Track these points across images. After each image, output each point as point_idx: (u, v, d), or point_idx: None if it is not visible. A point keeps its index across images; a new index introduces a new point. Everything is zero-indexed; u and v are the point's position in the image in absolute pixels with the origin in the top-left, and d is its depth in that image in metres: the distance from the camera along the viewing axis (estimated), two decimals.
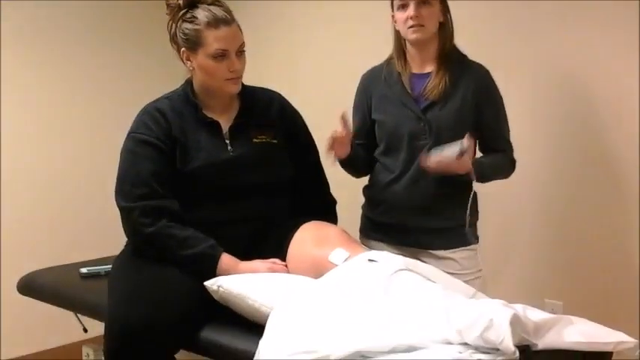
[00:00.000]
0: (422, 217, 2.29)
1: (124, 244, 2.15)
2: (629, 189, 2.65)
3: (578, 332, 1.56)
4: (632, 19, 2.55)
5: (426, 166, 2.15)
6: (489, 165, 2.28)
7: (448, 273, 2.01)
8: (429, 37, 2.26)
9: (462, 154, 2.09)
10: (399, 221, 2.33)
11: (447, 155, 2.11)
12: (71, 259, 2.79)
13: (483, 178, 2.29)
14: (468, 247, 2.31)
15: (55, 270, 2.64)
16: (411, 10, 2.21)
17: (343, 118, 2.18)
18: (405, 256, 1.96)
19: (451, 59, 2.29)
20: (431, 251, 2.31)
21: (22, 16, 3.59)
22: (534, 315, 1.57)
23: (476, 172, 2.20)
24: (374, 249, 2.16)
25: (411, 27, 2.22)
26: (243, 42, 2.06)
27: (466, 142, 2.08)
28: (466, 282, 2.03)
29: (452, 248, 2.29)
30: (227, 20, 2.02)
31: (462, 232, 2.28)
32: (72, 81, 3.81)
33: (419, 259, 2.15)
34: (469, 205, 2.24)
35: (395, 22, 2.30)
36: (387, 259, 1.81)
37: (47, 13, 3.69)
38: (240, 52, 2.06)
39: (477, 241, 2.36)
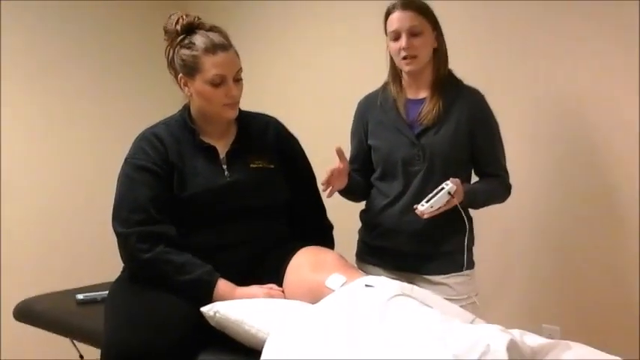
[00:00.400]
0: (417, 242, 2.29)
1: (121, 269, 2.15)
2: (627, 213, 2.66)
3: (576, 357, 1.56)
4: (632, 48, 2.59)
5: (422, 217, 2.15)
6: (483, 192, 2.29)
7: (443, 298, 2.01)
8: (423, 66, 2.28)
9: (451, 196, 2.11)
10: (394, 246, 2.33)
11: (438, 206, 2.11)
12: (68, 285, 2.78)
13: (476, 206, 2.30)
14: (463, 273, 2.30)
15: (51, 296, 2.63)
16: (402, 42, 2.23)
17: (339, 153, 2.19)
18: (400, 280, 1.96)
19: (446, 85, 2.30)
20: (426, 276, 2.31)
21: (23, 41, 3.63)
22: (531, 340, 1.56)
23: (469, 201, 2.21)
24: (370, 273, 2.16)
25: (404, 58, 2.24)
26: (241, 68, 2.07)
27: (451, 184, 2.10)
28: (461, 307, 2.02)
29: (446, 273, 2.29)
30: (224, 46, 2.03)
31: (456, 257, 2.28)
32: (69, 106, 3.83)
33: (414, 284, 2.15)
34: (467, 233, 2.24)
35: (389, 50, 2.32)
36: (384, 285, 1.81)
37: (48, 38, 3.73)
38: (238, 78, 2.07)
39: (473, 267, 2.36)
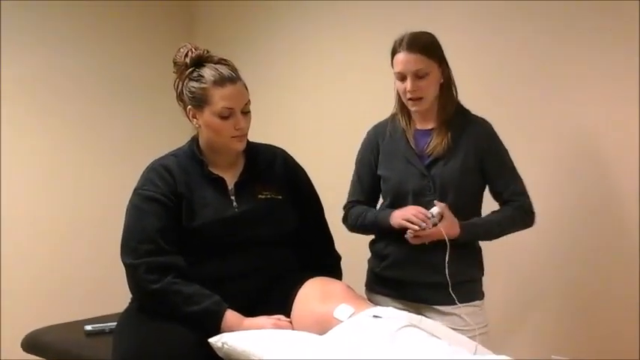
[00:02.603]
0: (426, 273, 2.28)
1: (129, 300, 2.15)
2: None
3: None
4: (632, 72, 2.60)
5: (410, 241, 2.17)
6: (485, 222, 2.28)
7: (453, 329, 2.00)
8: (429, 105, 2.29)
9: (434, 224, 2.12)
10: (403, 276, 2.32)
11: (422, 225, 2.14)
12: (76, 316, 2.78)
13: (484, 238, 2.29)
14: (473, 303, 2.29)
15: (60, 327, 2.63)
16: (408, 85, 2.23)
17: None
18: (409, 311, 1.95)
19: (453, 116, 2.31)
20: (435, 307, 2.30)
21: (30, 68, 3.66)
22: None
23: (469, 234, 2.21)
24: (379, 303, 2.15)
25: (410, 99, 2.25)
26: (249, 100, 2.09)
27: (435, 210, 2.11)
28: (471, 338, 2.01)
29: (456, 304, 2.26)
30: (233, 79, 2.04)
31: (466, 288, 2.27)
32: (78, 137, 3.86)
33: (423, 315, 2.14)
34: (446, 259, 2.20)
35: (396, 87, 2.32)
36: (392, 315, 1.81)
37: (56, 66, 3.76)
38: (246, 110, 2.08)
39: (483, 297, 2.35)
